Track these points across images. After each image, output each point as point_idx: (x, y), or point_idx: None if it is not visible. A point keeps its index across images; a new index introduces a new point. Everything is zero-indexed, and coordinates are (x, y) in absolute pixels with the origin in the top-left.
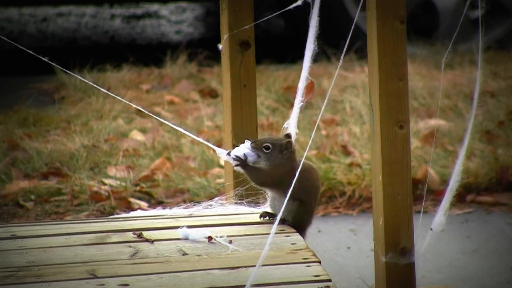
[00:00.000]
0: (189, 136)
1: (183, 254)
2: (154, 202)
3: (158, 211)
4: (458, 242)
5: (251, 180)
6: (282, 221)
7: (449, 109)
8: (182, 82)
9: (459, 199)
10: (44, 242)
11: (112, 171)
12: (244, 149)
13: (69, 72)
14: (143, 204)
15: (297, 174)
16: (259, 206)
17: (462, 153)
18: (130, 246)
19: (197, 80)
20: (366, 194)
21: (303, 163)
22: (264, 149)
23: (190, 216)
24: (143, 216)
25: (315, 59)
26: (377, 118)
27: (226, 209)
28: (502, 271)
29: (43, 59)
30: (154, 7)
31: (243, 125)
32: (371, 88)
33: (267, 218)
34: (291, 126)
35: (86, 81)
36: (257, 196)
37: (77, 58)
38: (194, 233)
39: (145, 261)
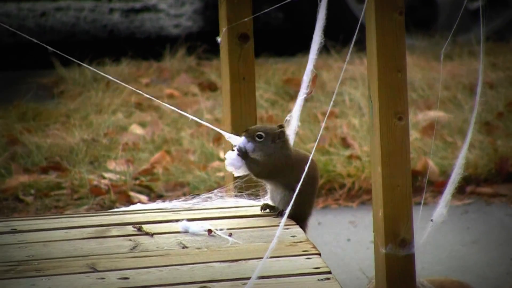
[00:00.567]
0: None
1: (183, 247)
2: (154, 195)
3: (158, 204)
4: (458, 233)
5: (250, 171)
6: (281, 213)
7: (448, 100)
8: (181, 76)
9: (459, 190)
10: (44, 236)
11: (111, 165)
12: (241, 139)
13: (80, 62)
14: (143, 197)
15: (306, 168)
16: (259, 199)
17: (465, 146)
18: (130, 240)
19: (196, 73)
20: (366, 186)
21: (300, 154)
22: (257, 138)
23: (190, 209)
24: (143, 209)
25: None
26: (376, 110)
27: (226, 202)
28: (501, 262)
29: (54, 50)
30: (153, 1)
31: (242, 118)
32: (370, 80)
33: (267, 210)
34: (294, 118)
35: (93, 69)
36: (257, 188)
37: (76, 52)
38: (194, 226)
39: (145, 255)
